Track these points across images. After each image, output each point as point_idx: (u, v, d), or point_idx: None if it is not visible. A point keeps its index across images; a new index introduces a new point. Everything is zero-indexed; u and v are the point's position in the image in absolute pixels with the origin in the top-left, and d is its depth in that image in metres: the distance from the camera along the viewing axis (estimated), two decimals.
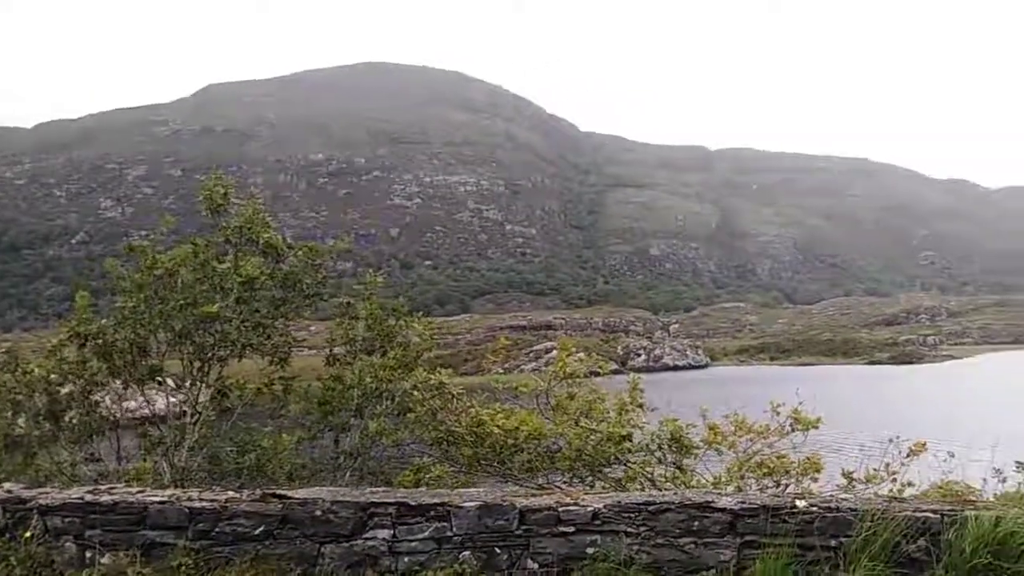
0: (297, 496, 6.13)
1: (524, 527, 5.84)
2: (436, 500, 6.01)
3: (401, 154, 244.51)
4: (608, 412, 9.17)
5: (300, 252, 10.28)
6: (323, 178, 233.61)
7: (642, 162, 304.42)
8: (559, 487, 8.08)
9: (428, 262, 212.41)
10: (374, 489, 6.75)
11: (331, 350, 10.74)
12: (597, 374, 9.79)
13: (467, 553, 5.79)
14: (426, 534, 5.87)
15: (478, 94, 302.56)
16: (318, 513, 5.96)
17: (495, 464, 8.97)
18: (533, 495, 6.31)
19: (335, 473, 9.66)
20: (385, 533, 5.89)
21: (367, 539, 5.89)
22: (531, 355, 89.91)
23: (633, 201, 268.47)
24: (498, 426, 8.63)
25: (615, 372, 16.10)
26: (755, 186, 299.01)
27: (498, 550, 5.81)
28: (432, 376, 9.25)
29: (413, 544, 5.86)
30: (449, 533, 5.87)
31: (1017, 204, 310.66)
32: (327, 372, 10.49)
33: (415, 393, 9.32)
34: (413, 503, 5.95)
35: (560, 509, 5.86)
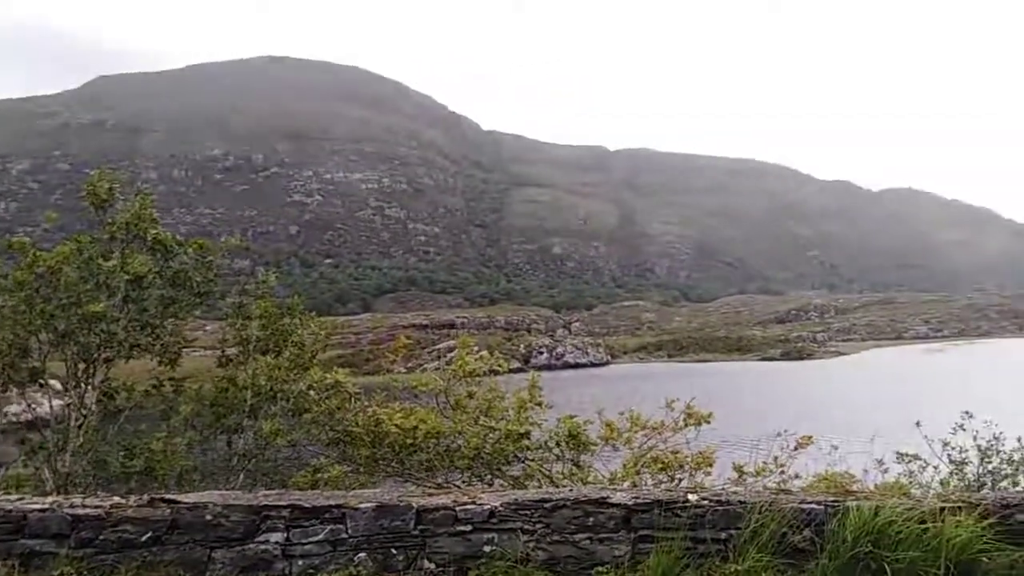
0: (187, 500, 5.94)
1: (421, 527, 5.79)
2: (331, 502, 5.91)
3: (301, 150, 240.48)
4: (507, 410, 9.19)
5: (190, 249, 10.00)
6: (220, 174, 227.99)
7: (544, 161, 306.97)
8: (457, 486, 8.07)
9: (329, 260, 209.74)
10: (268, 492, 6.61)
11: (223, 350, 10.49)
12: (497, 373, 9.81)
13: (363, 555, 5.72)
14: (321, 536, 5.76)
15: (380, 91, 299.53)
16: (208, 517, 5.79)
17: (394, 464, 8.91)
18: (431, 494, 6.27)
19: (228, 476, 9.43)
20: (278, 536, 5.76)
21: (259, 543, 5.75)
22: (434, 354, 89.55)
23: (536, 200, 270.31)
24: (396, 425, 8.57)
25: (518, 370, 16.21)
26: (653, 186, 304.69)
27: (394, 551, 5.75)
28: (328, 376, 9.12)
29: (307, 547, 5.74)
30: (344, 535, 5.77)
31: (897, 206, 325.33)
32: (219, 373, 10.23)
33: (311, 393, 9.18)
34: (307, 505, 5.84)
35: (457, 508, 5.83)
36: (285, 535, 5.76)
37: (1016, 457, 9.20)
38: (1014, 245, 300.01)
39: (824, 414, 33.50)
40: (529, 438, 8.68)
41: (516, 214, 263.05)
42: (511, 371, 12.05)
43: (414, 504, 5.86)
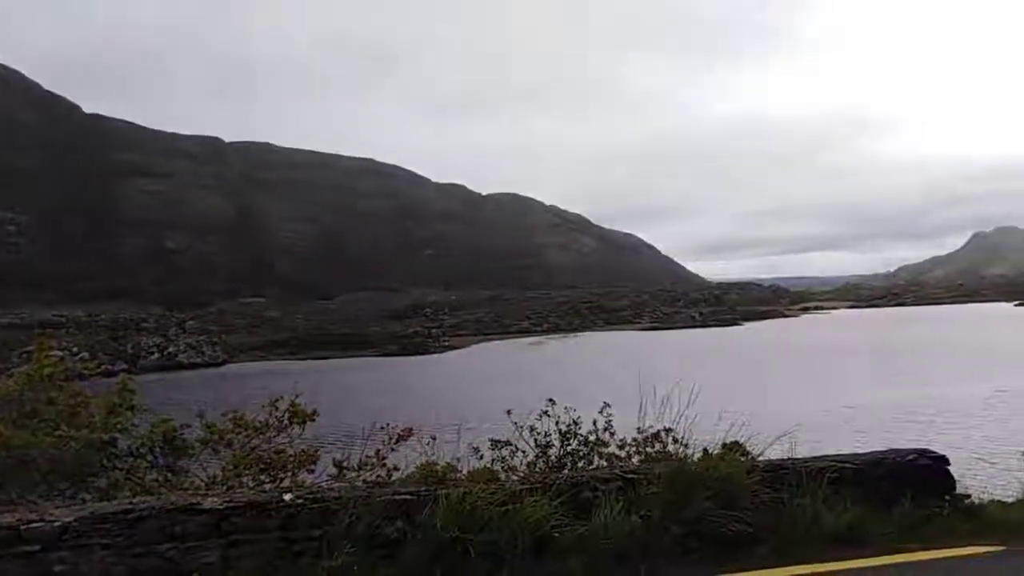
0: None
1: None
2: None
3: None
4: (95, 416, 8.53)
5: None
6: None
7: (156, 150, 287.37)
8: (33, 502, 7.32)
9: None
10: None
11: None
12: (83, 376, 9.06)
13: None
14: None
15: None
16: None
17: None
18: None
19: None
20: None
21: None
22: (24, 357, 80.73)
23: (147, 191, 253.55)
24: None
25: (122, 371, 15.08)
26: (273, 181, 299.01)
27: None
28: None
29: None
30: None
31: (505, 210, 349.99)
32: None
33: None
34: None
35: (23, 527, 5.29)
36: None
37: (592, 439, 10.16)
38: (602, 249, 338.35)
39: (430, 405, 35.03)
40: (116, 446, 8.12)
41: (125, 205, 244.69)
42: (110, 373, 11.18)
43: None
